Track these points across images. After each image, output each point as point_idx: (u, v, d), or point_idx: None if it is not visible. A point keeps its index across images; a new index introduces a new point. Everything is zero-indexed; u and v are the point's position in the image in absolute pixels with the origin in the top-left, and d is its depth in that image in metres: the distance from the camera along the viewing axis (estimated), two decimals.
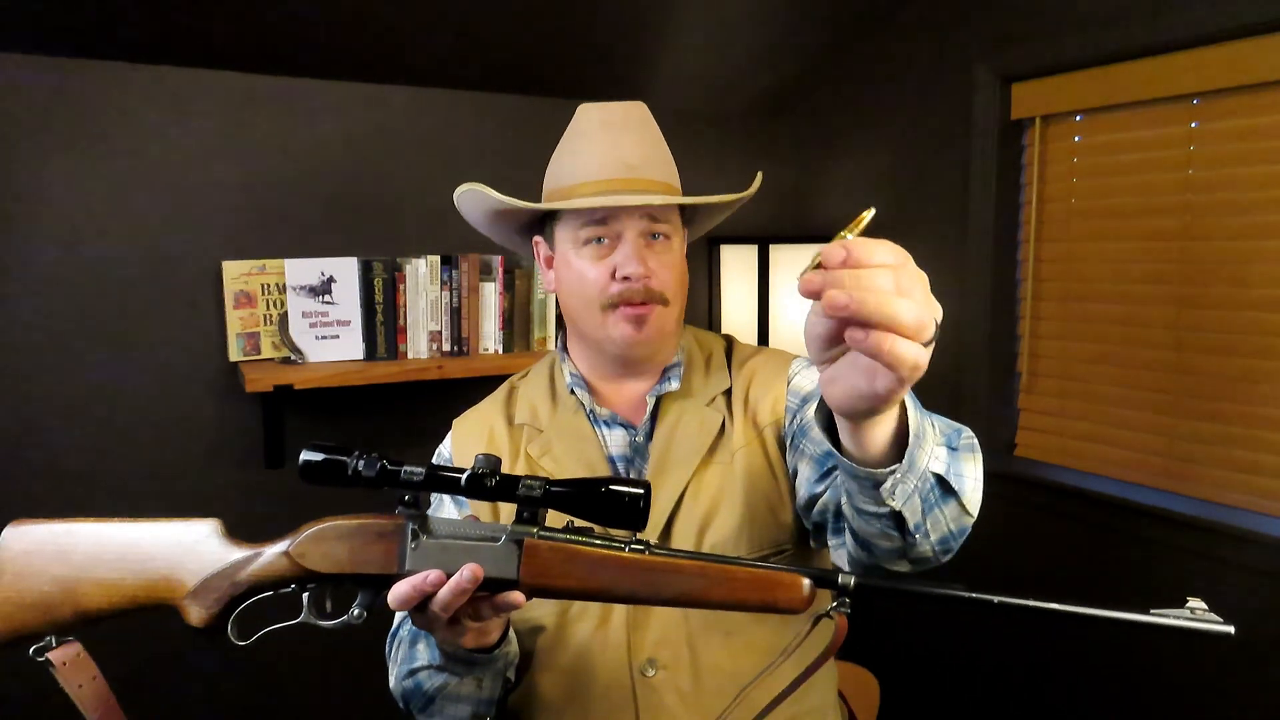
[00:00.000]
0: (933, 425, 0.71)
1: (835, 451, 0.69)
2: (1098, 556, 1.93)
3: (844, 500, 0.77)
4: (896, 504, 0.69)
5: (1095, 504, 1.91)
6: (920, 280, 0.55)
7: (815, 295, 0.54)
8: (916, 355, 0.54)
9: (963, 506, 0.74)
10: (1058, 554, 2.01)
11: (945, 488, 0.72)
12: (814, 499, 0.90)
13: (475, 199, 1.02)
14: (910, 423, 0.65)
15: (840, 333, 0.56)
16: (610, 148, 0.99)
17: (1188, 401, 1.82)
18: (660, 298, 0.98)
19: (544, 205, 1.00)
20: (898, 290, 0.53)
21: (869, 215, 0.57)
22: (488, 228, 1.09)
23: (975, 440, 0.77)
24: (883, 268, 0.53)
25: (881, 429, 0.65)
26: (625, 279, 0.96)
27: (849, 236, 0.55)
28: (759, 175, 1.10)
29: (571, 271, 1.00)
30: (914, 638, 2.30)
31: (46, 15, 1.66)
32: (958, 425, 0.78)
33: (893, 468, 0.66)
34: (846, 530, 0.80)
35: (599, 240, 0.97)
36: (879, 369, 0.55)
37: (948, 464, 0.72)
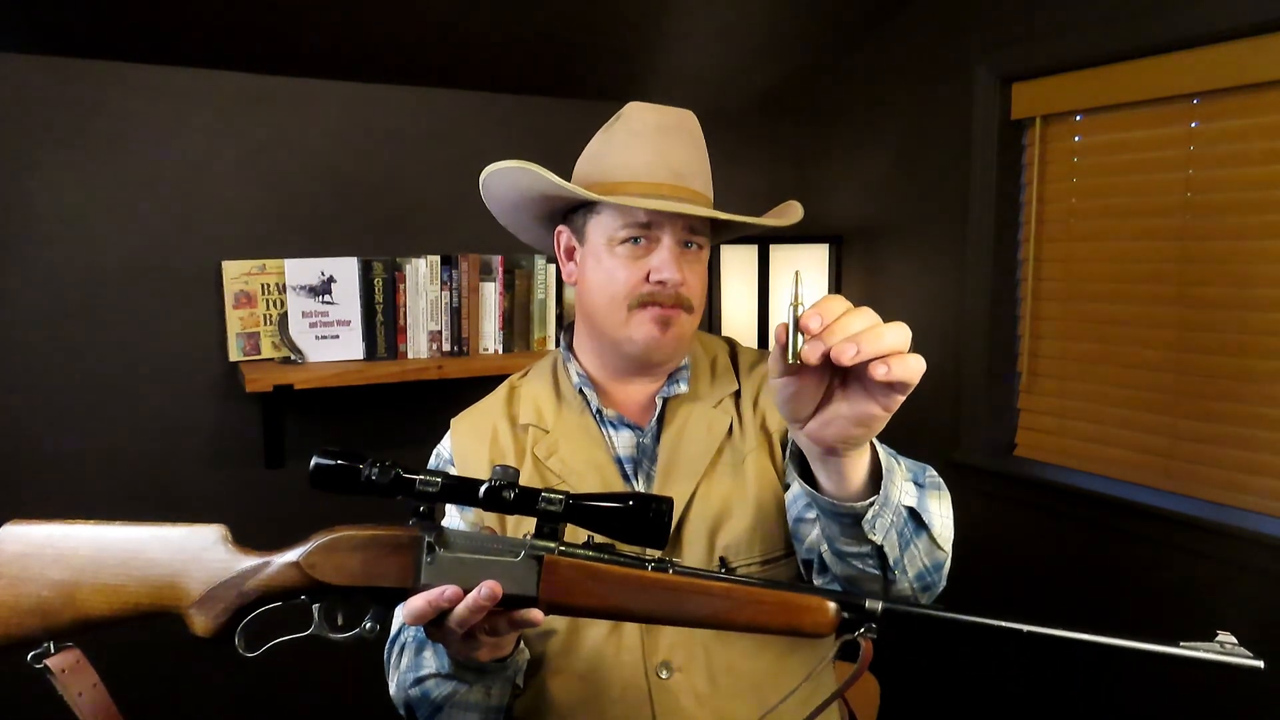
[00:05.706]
0: (899, 463, 0.78)
1: (815, 494, 0.74)
2: (1098, 557, 1.93)
3: (825, 548, 0.82)
4: (877, 538, 0.74)
5: (1095, 504, 1.91)
6: (871, 313, 0.65)
7: (823, 358, 0.61)
8: (921, 363, 0.63)
9: (934, 540, 0.79)
10: (1057, 554, 2.01)
11: (917, 521, 0.78)
12: (802, 526, 0.91)
13: (515, 177, 0.98)
14: (881, 460, 0.73)
15: (820, 385, 0.66)
16: (662, 152, 0.98)
17: (1188, 401, 1.82)
18: (688, 305, 0.98)
19: (602, 196, 0.96)
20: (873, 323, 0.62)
21: (798, 273, 0.68)
22: (510, 213, 1.06)
23: (940, 480, 0.84)
24: (851, 314, 0.62)
25: (862, 460, 0.72)
26: (660, 283, 0.96)
27: (802, 303, 0.63)
28: (799, 207, 1.08)
29: (601, 267, 0.98)
30: (914, 638, 2.30)
31: (46, 15, 1.66)
32: (923, 464, 0.84)
33: (871, 499, 0.72)
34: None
35: (635, 240, 0.96)
36: (876, 395, 0.64)
37: (917, 498, 0.78)
